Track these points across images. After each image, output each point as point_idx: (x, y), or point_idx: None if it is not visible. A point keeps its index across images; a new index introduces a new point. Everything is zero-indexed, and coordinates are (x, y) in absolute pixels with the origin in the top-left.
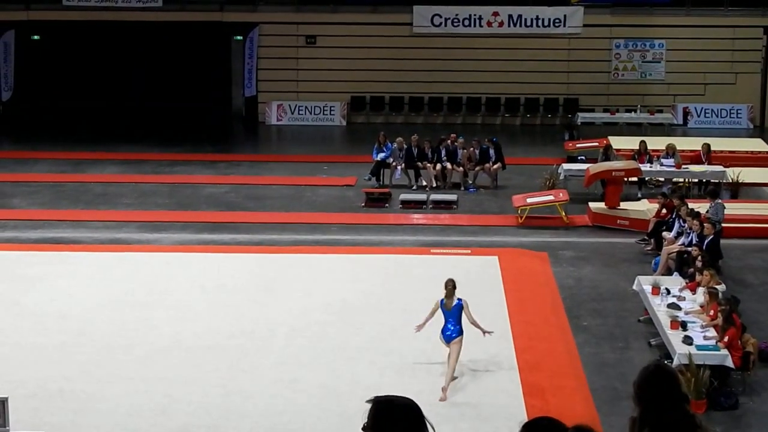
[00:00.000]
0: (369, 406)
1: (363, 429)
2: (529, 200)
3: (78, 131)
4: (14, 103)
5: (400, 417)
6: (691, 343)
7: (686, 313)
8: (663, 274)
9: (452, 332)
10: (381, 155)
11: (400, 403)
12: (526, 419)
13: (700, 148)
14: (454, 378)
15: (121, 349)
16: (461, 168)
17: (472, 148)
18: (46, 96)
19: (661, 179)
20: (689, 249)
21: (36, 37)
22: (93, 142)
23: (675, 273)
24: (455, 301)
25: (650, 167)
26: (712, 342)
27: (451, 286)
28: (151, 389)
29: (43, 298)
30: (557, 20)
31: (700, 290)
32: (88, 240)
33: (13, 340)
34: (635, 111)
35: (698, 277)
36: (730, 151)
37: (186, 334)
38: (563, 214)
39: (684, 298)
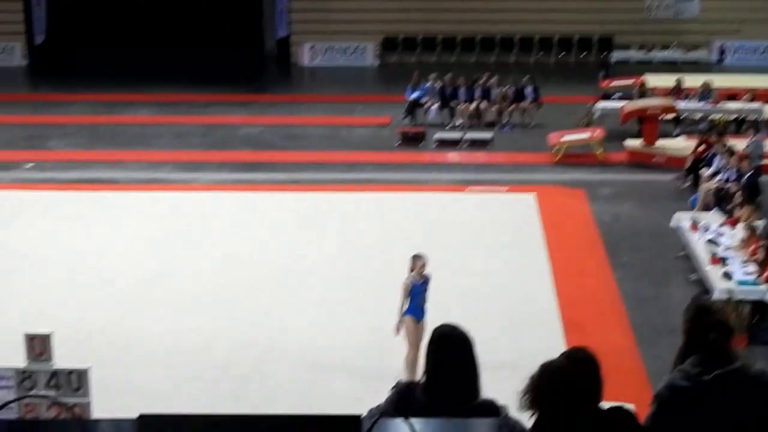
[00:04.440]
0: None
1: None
2: (564, 138)
3: (111, 74)
4: (47, 47)
5: (454, 344)
6: (731, 279)
7: (726, 249)
8: (701, 211)
9: None
10: (415, 95)
11: (455, 333)
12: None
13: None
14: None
15: (161, 287)
16: (496, 106)
17: (507, 87)
18: (77, 39)
19: (698, 116)
20: (727, 185)
21: None
22: (126, 85)
23: (714, 209)
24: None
25: (686, 104)
26: (753, 277)
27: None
28: (192, 326)
29: (82, 238)
30: None
31: (740, 226)
32: (125, 180)
33: (55, 279)
34: (670, 48)
35: (737, 213)
36: (766, 89)
37: (224, 271)
38: (599, 151)
39: (723, 234)
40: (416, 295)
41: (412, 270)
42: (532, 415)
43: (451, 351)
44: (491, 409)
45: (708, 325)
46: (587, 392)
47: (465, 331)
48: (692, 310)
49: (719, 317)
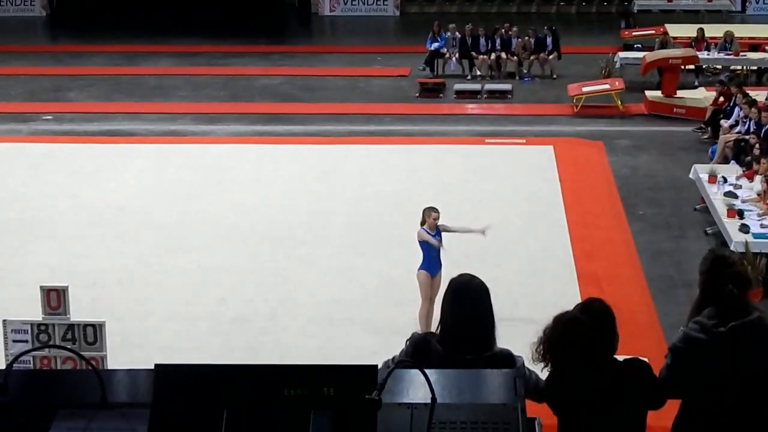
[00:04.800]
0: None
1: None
2: (584, 89)
3: (131, 25)
4: None
5: (471, 294)
6: (747, 232)
7: (743, 202)
8: (720, 163)
9: None
10: (435, 45)
11: (472, 283)
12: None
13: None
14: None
15: (178, 240)
16: (516, 57)
17: (527, 37)
18: None
19: (719, 67)
20: (747, 137)
21: None
22: (146, 35)
23: (732, 161)
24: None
25: (708, 55)
26: None
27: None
28: (208, 279)
29: (100, 190)
30: None
31: (758, 178)
32: (144, 132)
33: (73, 232)
34: None
35: (755, 166)
36: None
37: (242, 224)
38: (619, 102)
39: (741, 187)
40: (430, 248)
41: (423, 223)
42: (545, 366)
43: (468, 300)
44: (507, 360)
45: (725, 276)
46: (601, 344)
47: (482, 281)
48: (709, 262)
49: (736, 268)
